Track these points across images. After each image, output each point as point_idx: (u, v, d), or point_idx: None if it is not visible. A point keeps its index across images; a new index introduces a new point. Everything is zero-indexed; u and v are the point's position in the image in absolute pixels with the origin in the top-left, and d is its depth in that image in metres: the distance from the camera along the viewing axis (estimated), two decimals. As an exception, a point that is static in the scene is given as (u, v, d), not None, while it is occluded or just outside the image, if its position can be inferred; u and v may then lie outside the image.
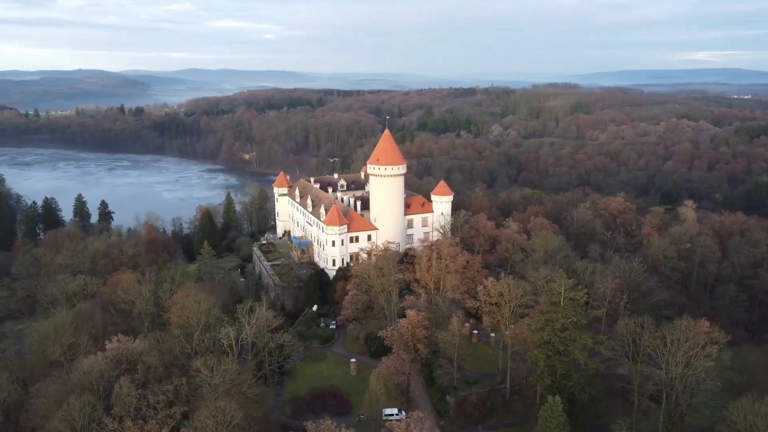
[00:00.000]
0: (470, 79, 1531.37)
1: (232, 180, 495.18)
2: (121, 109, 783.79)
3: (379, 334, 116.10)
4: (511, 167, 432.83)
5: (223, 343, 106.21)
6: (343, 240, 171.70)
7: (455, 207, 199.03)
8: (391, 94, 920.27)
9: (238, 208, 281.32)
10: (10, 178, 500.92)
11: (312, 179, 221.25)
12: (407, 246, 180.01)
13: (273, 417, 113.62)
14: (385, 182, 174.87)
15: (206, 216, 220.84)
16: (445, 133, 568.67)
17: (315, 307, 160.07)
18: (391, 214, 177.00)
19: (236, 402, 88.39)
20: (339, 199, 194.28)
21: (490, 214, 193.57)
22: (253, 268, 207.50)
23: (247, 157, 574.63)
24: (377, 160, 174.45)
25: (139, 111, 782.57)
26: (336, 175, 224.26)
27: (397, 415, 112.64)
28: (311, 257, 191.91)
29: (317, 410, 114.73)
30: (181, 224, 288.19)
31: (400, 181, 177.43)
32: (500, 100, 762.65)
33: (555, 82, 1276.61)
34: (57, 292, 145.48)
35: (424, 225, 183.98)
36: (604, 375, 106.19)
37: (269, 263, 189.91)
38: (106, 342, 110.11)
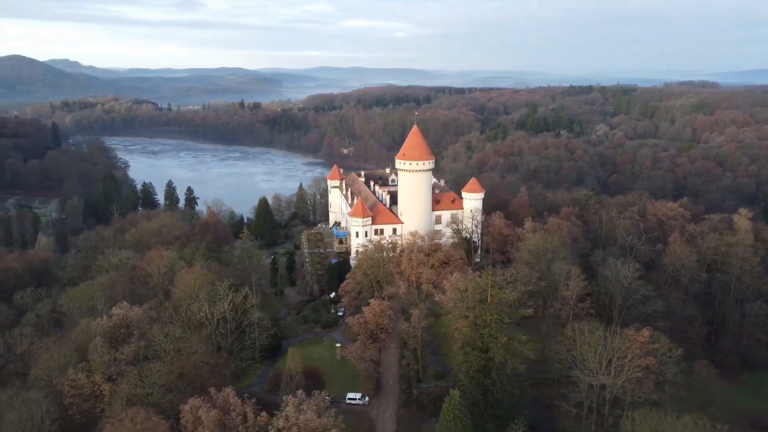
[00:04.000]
0: (601, 76, 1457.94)
1: (328, 173, 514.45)
2: (241, 104, 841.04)
3: (346, 321, 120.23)
4: (604, 169, 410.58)
5: (202, 316, 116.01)
6: (366, 231, 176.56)
7: (498, 206, 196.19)
8: (500, 92, 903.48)
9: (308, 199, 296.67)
10: (136, 164, 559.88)
11: (362, 173, 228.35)
12: (436, 241, 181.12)
13: (253, 390, 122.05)
14: (411, 177, 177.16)
15: (262, 205, 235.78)
16: (545, 132, 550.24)
17: (333, 294, 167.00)
18: (416, 208, 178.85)
19: (189, 368, 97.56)
20: (377, 193, 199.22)
21: (527, 213, 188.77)
22: (300, 255, 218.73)
23: (345, 151, 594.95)
24: (404, 155, 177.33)
25: (256, 106, 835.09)
26: (388, 170, 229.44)
27: (359, 399, 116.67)
28: (348, 247, 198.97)
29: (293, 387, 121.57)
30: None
31: (427, 176, 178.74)
32: (614, 99, 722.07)
33: (690, 80, 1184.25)
34: (105, 263, 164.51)
35: (453, 221, 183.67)
36: (575, 382, 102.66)
37: (308, 251, 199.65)
38: (113, 308, 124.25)
